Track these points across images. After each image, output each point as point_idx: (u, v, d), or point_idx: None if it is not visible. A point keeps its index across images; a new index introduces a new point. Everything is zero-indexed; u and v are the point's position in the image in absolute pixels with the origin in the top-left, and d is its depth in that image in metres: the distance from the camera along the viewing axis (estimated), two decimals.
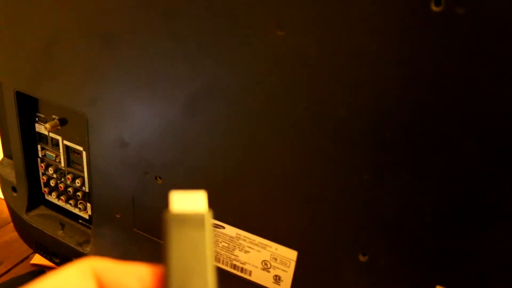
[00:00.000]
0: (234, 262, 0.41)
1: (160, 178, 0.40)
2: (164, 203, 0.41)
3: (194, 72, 0.35)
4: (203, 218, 0.18)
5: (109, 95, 0.40)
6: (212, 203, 0.39)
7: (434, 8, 0.27)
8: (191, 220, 0.17)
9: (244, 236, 0.39)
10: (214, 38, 0.33)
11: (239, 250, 0.40)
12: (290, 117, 0.33)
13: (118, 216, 0.45)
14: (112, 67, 0.38)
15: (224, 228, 0.39)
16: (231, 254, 0.41)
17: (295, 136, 0.33)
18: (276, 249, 0.38)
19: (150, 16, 0.35)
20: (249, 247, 0.39)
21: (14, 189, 0.53)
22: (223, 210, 0.39)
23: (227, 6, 0.32)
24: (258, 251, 0.39)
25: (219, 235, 0.40)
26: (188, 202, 0.18)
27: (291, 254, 0.38)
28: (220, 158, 0.37)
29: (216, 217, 0.39)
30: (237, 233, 0.39)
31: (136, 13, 0.35)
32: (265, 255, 0.39)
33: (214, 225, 0.40)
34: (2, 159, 0.56)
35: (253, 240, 0.39)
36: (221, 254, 0.41)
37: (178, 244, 0.17)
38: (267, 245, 0.38)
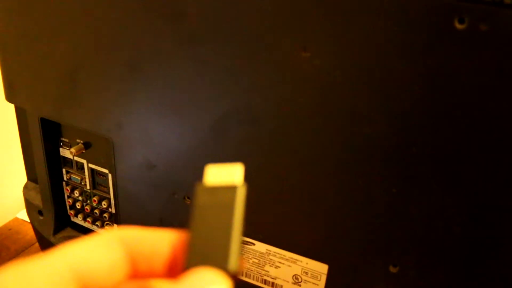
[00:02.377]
0: (265, 278, 0.42)
1: (189, 198, 0.41)
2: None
3: (221, 96, 0.36)
4: (235, 190, 0.17)
5: (134, 119, 0.40)
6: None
7: (458, 25, 0.27)
8: (222, 192, 0.17)
9: (274, 252, 0.40)
10: (240, 62, 0.34)
11: (270, 266, 0.41)
12: (318, 135, 0.34)
13: None
14: (137, 92, 0.39)
15: (254, 244, 0.40)
16: (261, 269, 0.41)
17: (324, 154, 0.34)
18: (307, 263, 0.39)
19: (175, 43, 0.36)
20: (280, 262, 0.40)
21: (40, 213, 0.54)
22: (253, 227, 0.40)
23: (252, 30, 0.33)
24: (289, 265, 0.40)
25: (249, 252, 0.41)
26: (223, 175, 0.18)
27: (322, 268, 0.38)
28: (248, 177, 0.38)
29: (246, 234, 0.40)
30: (267, 249, 0.40)
31: (162, 40, 0.36)
32: (296, 270, 0.40)
33: (244, 242, 0.41)
34: (27, 183, 0.57)
35: (284, 255, 0.39)
36: (251, 270, 0.42)
37: (205, 214, 0.16)
38: (297, 260, 0.39)
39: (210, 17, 0.33)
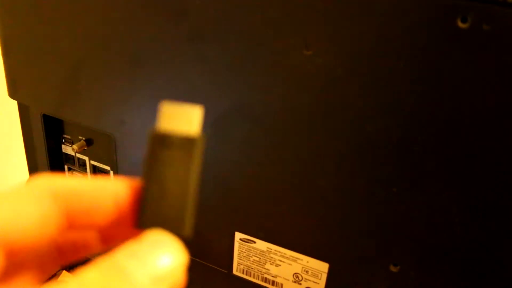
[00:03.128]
0: (265, 276, 0.42)
1: None
2: (196, 218, 0.41)
3: (221, 93, 0.36)
4: (192, 142, 0.16)
5: (136, 116, 0.41)
6: (242, 219, 0.40)
7: (460, 24, 0.27)
8: (178, 142, 0.15)
9: (275, 250, 0.40)
10: (242, 60, 0.34)
11: (270, 264, 0.41)
12: (319, 134, 0.34)
13: None
14: (139, 88, 0.39)
15: (255, 242, 0.40)
16: (262, 267, 0.41)
17: (325, 152, 0.34)
18: (308, 261, 0.39)
19: (177, 39, 0.36)
20: (280, 261, 0.40)
21: None
22: (254, 225, 0.40)
23: (253, 28, 0.33)
24: (289, 264, 0.40)
25: (250, 250, 0.41)
26: (180, 119, 0.16)
27: (323, 267, 0.38)
28: (249, 175, 0.38)
29: (247, 232, 0.40)
30: (268, 247, 0.40)
31: (164, 36, 0.36)
32: (297, 268, 0.40)
33: (245, 240, 0.41)
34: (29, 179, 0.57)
35: (284, 253, 0.39)
36: (252, 268, 0.42)
37: (159, 167, 0.15)
38: (298, 258, 0.39)
39: (212, 14, 0.33)
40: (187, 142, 0.15)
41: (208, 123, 0.37)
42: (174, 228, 0.15)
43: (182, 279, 0.15)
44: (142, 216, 0.15)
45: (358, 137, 0.32)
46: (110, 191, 0.16)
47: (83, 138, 0.48)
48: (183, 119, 0.16)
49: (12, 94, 0.49)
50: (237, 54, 0.34)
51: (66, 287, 0.13)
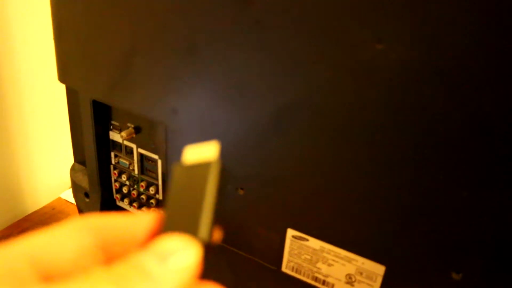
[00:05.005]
0: (316, 275, 0.40)
1: (242, 189, 0.40)
2: (245, 213, 0.40)
3: (283, 85, 0.34)
4: (208, 165, 0.17)
5: (190, 105, 0.39)
6: (296, 216, 0.38)
7: None
8: (197, 168, 0.17)
9: (329, 249, 0.38)
10: (308, 52, 0.32)
11: (322, 263, 0.39)
12: (385, 132, 0.32)
13: None
14: (195, 77, 0.38)
15: (307, 240, 0.39)
16: (313, 266, 0.40)
17: (390, 151, 0.32)
18: (363, 263, 0.37)
19: (239, 27, 0.34)
20: (334, 260, 0.38)
21: (86, 195, 0.54)
22: (308, 222, 0.38)
23: (323, 19, 0.31)
24: (343, 264, 0.38)
25: (302, 248, 0.39)
26: (199, 153, 0.18)
27: (379, 269, 0.37)
28: (306, 171, 0.36)
29: (300, 229, 0.39)
30: (321, 246, 0.38)
31: (224, 23, 0.35)
32: (350, 269, 0.38)
33: (298, 237, 0.39)
34: (74, 165, 0.57)
35: (339, 253, 0.38)
36: (302, 266, 0.40)
37: (180, 190, 0.17)
38: (353, 259, 0.38)
39: (278, 2, 0.32)
40: (205, 165, 0.18)
41: (266, 115, 0.36)
42: (190, 231, 0.16)
43: (195, 274, 0.16)
44: (163, 229, 0.17)
45: (429, 138, 0.31)
46: (140, 224, 0.17)
47: (132, 126, 0.47)
48: (203, 152, 0.18)
49: (62, 78, 0.49)
50: (302, 44, 0.32)
51: (91, 278, 0.14)
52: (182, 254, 0.16)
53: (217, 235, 0.17)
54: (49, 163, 0.75)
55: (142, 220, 0.17)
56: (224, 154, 0.40)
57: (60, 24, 0.46)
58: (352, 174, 0.34)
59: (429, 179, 0.32)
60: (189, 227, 0.16)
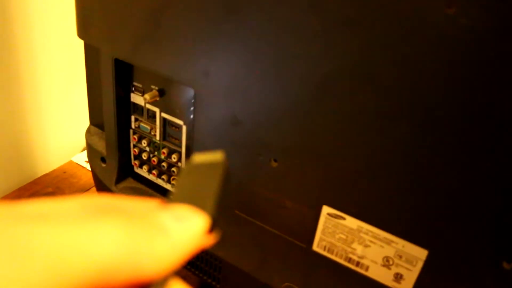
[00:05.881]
0: (350, 255, 0.38)
1: (275, 160, 0.37)
2: (277, 186, 0.37)
3: (333, 50, 0.31)
4: (215, 163, 0.19)
5: (224, 68, 0.36)
6: (333, 192, 0.36)
7: None
8: (205, 166, 0.19)
9: (367, 230, 0.36)
10: (365, 12, 0.29)
11: (358, 244, 0.37)
12: (445, 106, 0.29)
13: None
14: (232, 38, 0.35)
15: (344, 219, 0.36)
16: (348, 246, 0.37)
17: (446, 129, 0.29)
18: (403, 246, 0.35)
19: None
20: (371, 241, 0.36)
21: (103, 160, 0.52)
22: (346, 200, 0.36)
23: None
24: (381, 246, 0.36)
25: (337, 226, 0.37)
26: (207, 157, 0.20)
27: (420, 253, 0.34)
28: (349, 144, 0.33)
29: (336, 207, 0.36)
30: (359, 226, 0.36)
31: None
32: (389, 251, 0.36)
33: (334, 215, 0.37)
34: (89, 128, 0.55)
35: (377, 234, 0.35)
36: (336, 246, 0.38)
37: (187, 180, 0.19)
38: (392, 241, 0.35)
39: None
40: (212, 164, 0.19)
41: (311, 81, 0.33)
42: (200, 206, 0.17)
43: (198, 247, 0.17)
44: (172, 196, 0.18)
45: (492, 116, 0.27)
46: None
47: (156, 88, 0.44)
48: (210, 156, 0.20)
49: (82, 34, 0.45)
50: (358, 5, 0.29)
51: (107, 222, 0.14)
52: (195, 219, 0.16)
53: (217, 232, 0.18)
54: (61, 124, 0.72)
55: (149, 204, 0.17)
56: (258, 122, 0.37)
57: None
58: (399, 148, 0.32)
59: (488, 163, 0.29)
60: (196, 203, 0.17)
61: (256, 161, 0.38)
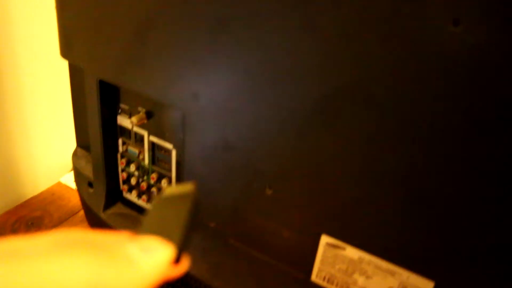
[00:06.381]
0: (351, 286, 0.35)
1: (270, 187, 0.35)
2: (273, 215, 0.35)
3: (330, 69, 0.29)
4: (185, 194, 0.20)
5: (215, 90, 0.34)
6: (332, 221, 0.33)
7: None
8: (175, 198, 0.20)
9: (369, 260, 0.33)
10: (363, 29, 0.27)
11: (360, 275, 0.34)
12: (454, 128, 0.27)
13: (212, 225, 0.40)
14: (222, 56, 0.33)
15: (344, 249, 0.34)
16: (348, 277, 0.35)
17: (451, 154, 0.27)
18: (408, 277, 0.32)
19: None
20: (373, 272, 0.34)
21: (90, 185, 0.49)
22: (345, 229, 0.33)
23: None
24: (384, 277, 0.33)
25: (337, 256, 0.35)
26: (179, 189, 0.20)
27: (426, 285, 0.32)
28: (346, 171, 0.31)
29: (336, 236, 0.34)
30: (360, 256, 0.34)
31: None
32: (392, 283, 0.33)
33: (333, 245, 0.34)
34: (76, 150, 0.52)
35: (380, 265, 0.33)
36: (335, 277, 0.36)
37: (157, 211, 0.19)
38: (396, 272, 0.33)
39: None
40: (182, 195, 0.20)
41: (308, 104, 0.30)
42: (165, 237, 0.18)
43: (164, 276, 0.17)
44: (142, 227, 0.18)
45: (501, 141, 0.25)
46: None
47: (143, 110, 0.42)
48: (182, 188, 0.20)
49: (65, 53, 0.43)
50: (357, 21, 0.27)
51: (77, 254, 0.15)
52: (161, 250, 0.17)
53: (184, 263, 0.18)
54: (49, 144, 0.70)
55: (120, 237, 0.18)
56: (251, 147, 0.35)
57: None
58: (402, 177, 0.29)
59: (496, 189, 0.27)
60: (164, 234, 0.18)
61: (251, 188, 0.36)
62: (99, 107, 0.43)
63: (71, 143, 0.54)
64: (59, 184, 0.71)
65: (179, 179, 0.42)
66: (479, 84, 0.25)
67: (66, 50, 0.43)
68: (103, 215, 0.48)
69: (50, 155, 0.71)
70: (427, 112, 0.27)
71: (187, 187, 0.20)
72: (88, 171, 0.49)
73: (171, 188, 0.21)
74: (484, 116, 0.25)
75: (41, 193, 0.69)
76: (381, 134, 0.29)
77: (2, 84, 0.61)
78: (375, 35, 0.27)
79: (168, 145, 0.42)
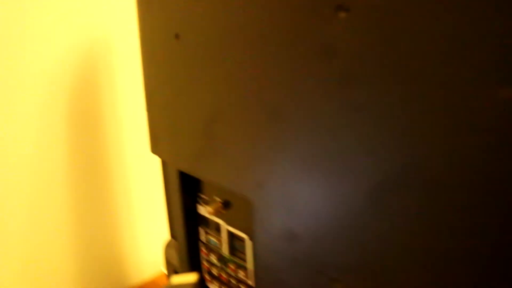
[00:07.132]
0: None
1: (338, 281, 0.32)
2: None
3: (381, 153, 0.27)
4: (186, 284, 0.22)
5: (276, 178, 0.34)
6: None
7: None
8: (177, 286, 0.22)
9: None
10: (409, 108, 0.25)
11: None
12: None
13: None
14: (280, 146, 0.32)
15: None
16: None
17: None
18: None
19: (324, 83, 0.28)
20: None
21: (176, 273, 0.50)
22: None
23: (428, 65, 0.24)
24: None
25: None
26: (181, 279, 0.21)
27: None
28: (417, 260, 0.28)
29: None
30: None
31: (308, 83, 0.29)
32: None
33: None
34: (170, 241, 0.54)
35: None
36: None
37: None
38: None
39: (366, 53, 0.26)
40: (183, 283, 0.22)
41: (361, 192, 0.28)
42: None
43: None
44: None
45: None
46: None
47: (220, 200, 0.42)
48: (186, 277, 0.22)
49: (153, 149, 0.46)
50: (401, 101, 0.25)
51: None
52: None
53: None
54: (150, 236, 0.74)
55: None
56: (315, 237, 0.33)
57: (150, 97, 0.44)
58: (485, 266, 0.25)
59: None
60: None
61: (319, 280, 0.33)
62: (180, 197, 0.45)
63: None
64: (163, 275, 0.73)
65: (256, 270, 0.41)
66: None
67: (154, 147, 0.46)
68: None
69: (153, 245, 0.75)
70: (492, 190, 0.23)
71: (190, 276, 0.23)
72: (175, 260, 0.50)
73: (176, 277, 0.23)
74: None
75: (145, 285, 0.71)
76: (446, 221, 0.26)
77: (112, 180, 0.67)
78: (424, 114, 0.25)
79: (243, 235, 0.41)
